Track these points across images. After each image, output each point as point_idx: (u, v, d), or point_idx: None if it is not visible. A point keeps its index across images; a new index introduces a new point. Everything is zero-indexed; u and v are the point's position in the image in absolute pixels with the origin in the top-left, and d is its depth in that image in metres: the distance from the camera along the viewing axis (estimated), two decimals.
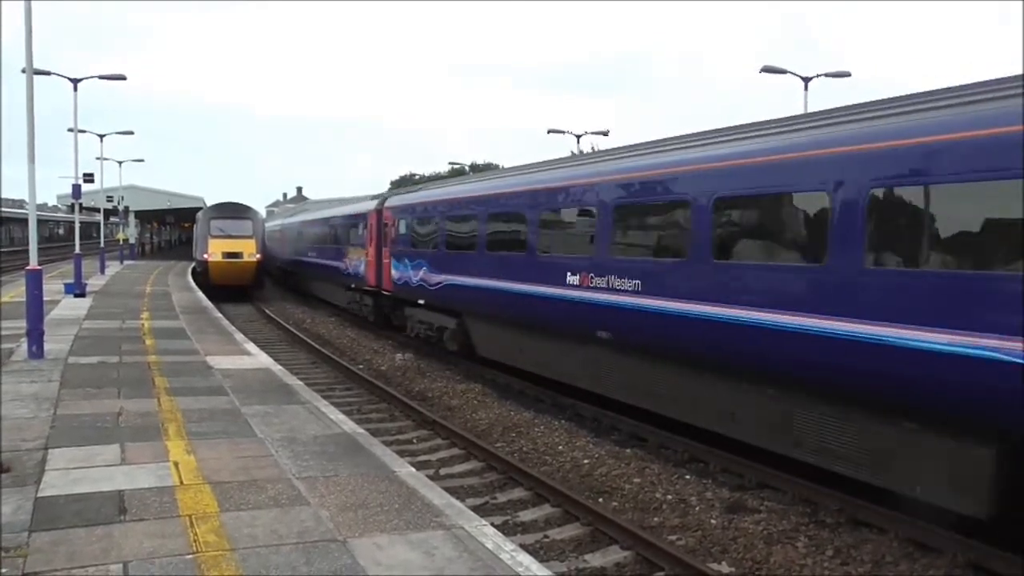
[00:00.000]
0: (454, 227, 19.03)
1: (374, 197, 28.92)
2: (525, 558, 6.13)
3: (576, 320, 13.59)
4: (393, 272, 22.93)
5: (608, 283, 12.58)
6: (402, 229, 22.55)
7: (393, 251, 23.09)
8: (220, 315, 23.70)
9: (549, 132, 41.10)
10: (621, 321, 12.31)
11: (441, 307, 19.85)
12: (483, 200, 17.63)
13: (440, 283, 19.39)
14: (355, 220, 28.10)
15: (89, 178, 40.67)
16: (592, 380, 13.95)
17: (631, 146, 13.91)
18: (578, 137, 41.73)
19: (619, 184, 12.78)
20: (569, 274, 13.60)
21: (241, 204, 39.51)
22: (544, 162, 16.92)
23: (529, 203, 15.40)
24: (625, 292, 12.13)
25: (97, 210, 52.17)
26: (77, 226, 35.73)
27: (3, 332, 17.01)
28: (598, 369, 13.67)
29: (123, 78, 32.96)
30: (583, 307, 13.21)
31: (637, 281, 11.91)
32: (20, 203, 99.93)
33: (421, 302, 21.05)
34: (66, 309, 23.20)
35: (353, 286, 28.32)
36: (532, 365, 15.99)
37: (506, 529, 8.74)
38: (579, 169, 14.44)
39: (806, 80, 28.26)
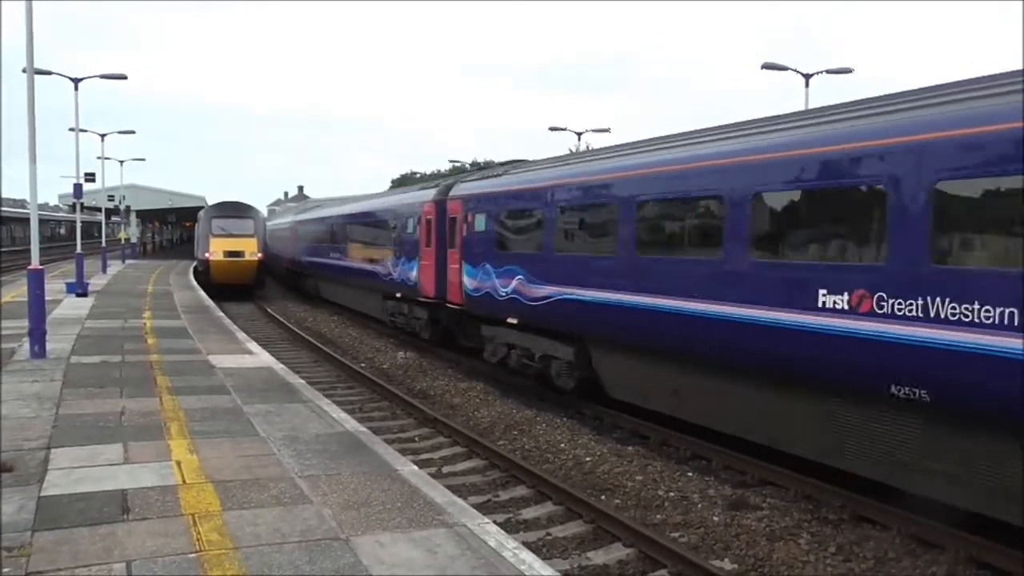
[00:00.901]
0: (576, 220, 14.00)
1: (430, 185, 23.08)
2: (528, 556, 6.13)
3: (835, 365, 8.87)
4: (465, 280, 17.93)
5: (923, 309, 7.88)
6: (480, 225, 17.46)
7: (466, 253, 17.99)
8: (222, 314, 23.72)
9: (551, 130, 41.16)
10: (966, 375, 7.56)
11: (547, 329, 14.88)
12: (633, 182, 12.34)
13: (548, 297, 14.42)
14: (402, 215, 23.02)
15: (90, 177, 40.75)
16: (863, 459, 9.05)
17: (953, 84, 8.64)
18: (579, 135, 41.81)
19: (947, 144, 7.84)
20: (824, 292, 8.93)
21: (242, 203, 39.50)
22: (763, 120, 10.95)
23: (737, 183, 10.27)
24: (975, 327, 7.43)
25: (99, 209, 52.20)
26: (79, 225, 35.73)
27: (5, 332, 17.03)
28: (891, 449, 8.70)
29: (124, 77, 32.98)
30: (855, 346, 8.56)
31: (1011, 310, 7.16)
32: (22, 203, 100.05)
33: (512, 321, 16.00)
34: (68, 308, 23.23)
35: (398, 295, 23.30)
36: (717, 421, 11.25)
37: (508, 527, 8.75)
38: (853, 125, 9.01)
39: (807, 76, 28.25)
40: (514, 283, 15.68)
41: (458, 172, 59.85)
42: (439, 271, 19.77)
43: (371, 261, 25.85)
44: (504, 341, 16.83)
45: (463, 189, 19.02)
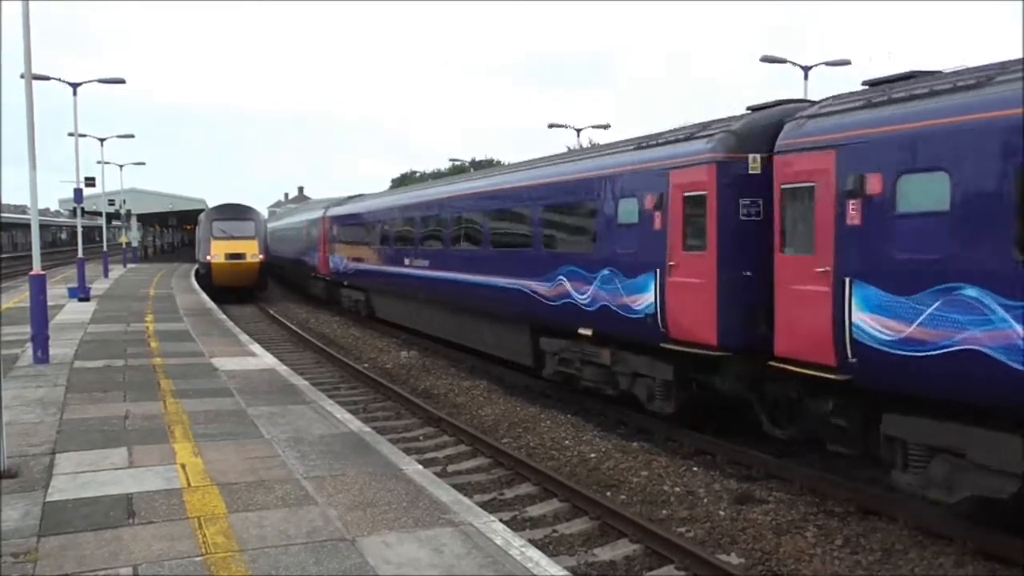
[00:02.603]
0: None
1: (677, 134, 12.20)
2: (534, 553, 6.13)
3: None
4: (862, 319, 8.71)
5: None
6: (933, 197, 8.06)
7: (865, 261, 8.76)
8: (224, 316, 23.73)
9: (550, 127, 41.18)
10: None
11: None
12: None
13: None
14: (604, 192, 13.16)
15: (91, 182, 40.81)
16: None
17: None
18: (578, 131, 41.74)
19: None
20: None
21: (243, 205, 39.46)
22: None
23: None
24: None
25: (99, 214, 52.24)
26: (80, 230, 35.74)
27: (9, 337, 17.03)
28: None
29: (122, 81, 32.89)
30: None
31: None
32: (22, 208, 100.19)
33: None
34: (70, 313, 23.24)
35: (586, 332, 13.49)
36: None
37: (515, 525, 8.74)
38: None
39: (806, 69, 28.20)
40: None
41: (458, 171, 59.76)
42: (728, 293, 10.68)
43: (506, 272, 16.15)
44: None
45: (844, 123, 9.13)
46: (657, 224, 11.76)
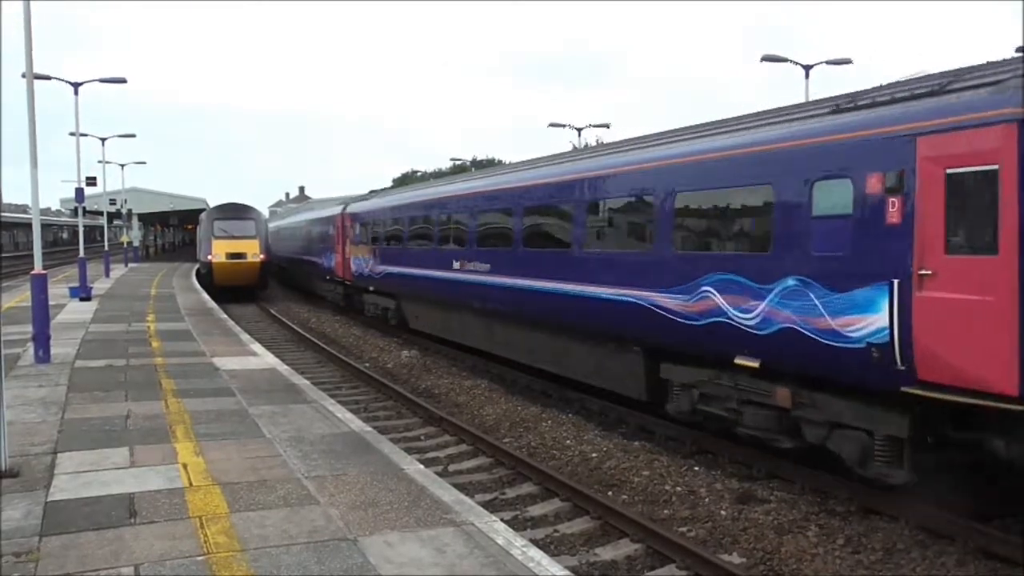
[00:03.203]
0: None
1: (954, 79, 8.16)
2: (536, 553, 6.13)
3: None
4: None
5: None
6: None
7: None
8: (225, 316, 23.72)
9: (551, 126, 41.18)
10: None
11: None
12: None
13: None
14: (799, 169, 9.24)
15: (92, 181, 40.74)
16: None
17: None
18: (579, 131, 41.74)
19: None
20: None
21: (243, 204, 39.43)
22: None
23: None
24: None
25: (100, 213, 52.25)
26: (81, 229, 35.74)
27: (10, 337, 17.04)
28: None
29: (123, 81, 32.86)
30: None
31: None
32: (23, 208, 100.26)
33: None
34: (72, 313, 23.25)
35: (751, 363, 9.87)
36: None
37: (516, 524, 8.74)
38: None
39: (807, 68, 28.17)
40: None
41: (459, 171, 59.77)
42: None
43: (609, 279, 12.57)
44: None
45: None
46: (892, 215, 8.21)
